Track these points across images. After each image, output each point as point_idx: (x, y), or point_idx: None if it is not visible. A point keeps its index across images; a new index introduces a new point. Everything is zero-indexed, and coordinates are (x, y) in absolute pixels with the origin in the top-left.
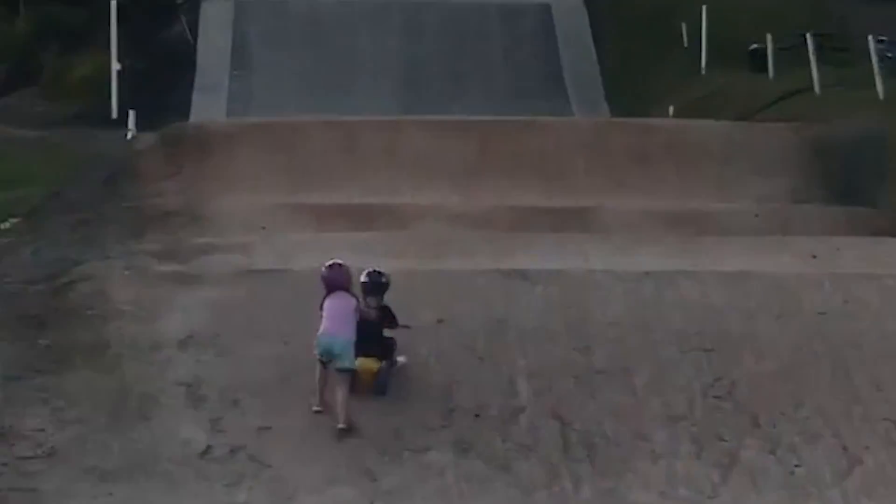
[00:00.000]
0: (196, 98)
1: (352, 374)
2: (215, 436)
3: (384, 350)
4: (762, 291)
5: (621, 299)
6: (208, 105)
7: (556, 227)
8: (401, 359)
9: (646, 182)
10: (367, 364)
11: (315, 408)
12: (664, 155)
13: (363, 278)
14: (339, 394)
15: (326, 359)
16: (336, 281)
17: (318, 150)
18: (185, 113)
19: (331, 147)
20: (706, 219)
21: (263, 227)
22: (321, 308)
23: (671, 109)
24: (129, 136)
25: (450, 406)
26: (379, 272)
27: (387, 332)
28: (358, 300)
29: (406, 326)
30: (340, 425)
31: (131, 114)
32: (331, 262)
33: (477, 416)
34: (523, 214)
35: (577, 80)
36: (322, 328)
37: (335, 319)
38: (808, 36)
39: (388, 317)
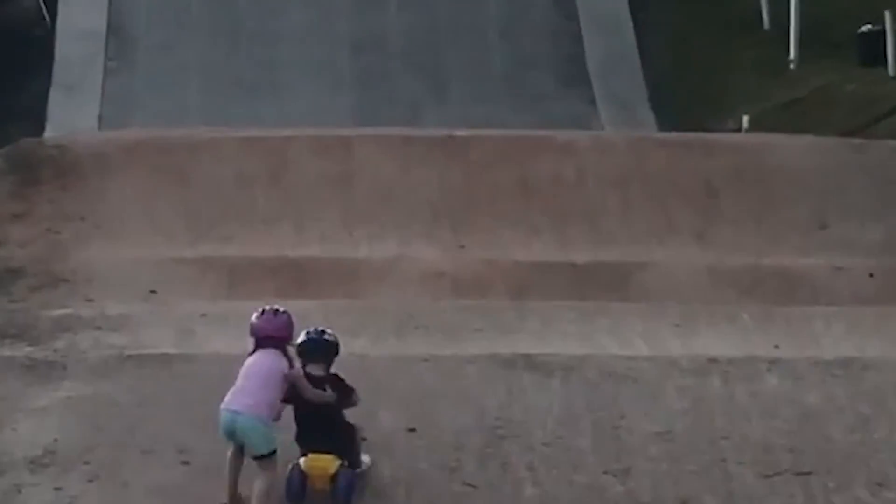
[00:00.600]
0: (54, 100)
1: (272, 461)
2: None
3: (342, 442)
4: (880, 388)
5: (674, 400)
6: (72, 111)
7: (579, 293)
8: (365, 459)
9: (709, 226)
10: (320, 464)
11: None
12: (736, 187)
13: (300, 338)
14: (256, 486)
15: (232, 442)
16: (264, 331)
17: (230, 178)
18: (39, 122)
19: (250, 174)
20: (797, 280)
21: (153, 292)
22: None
23: (745, 120)
24: None
25: None
26: (321, 329)
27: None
28: (293, 365)
29: (361, 438)
30: None
31: None
32: (265, 307)
33: None
34: (531, 274)
35: (607, 74)
36: (226, 399)
37: (243, 388)
38: None
39: (341, 390)
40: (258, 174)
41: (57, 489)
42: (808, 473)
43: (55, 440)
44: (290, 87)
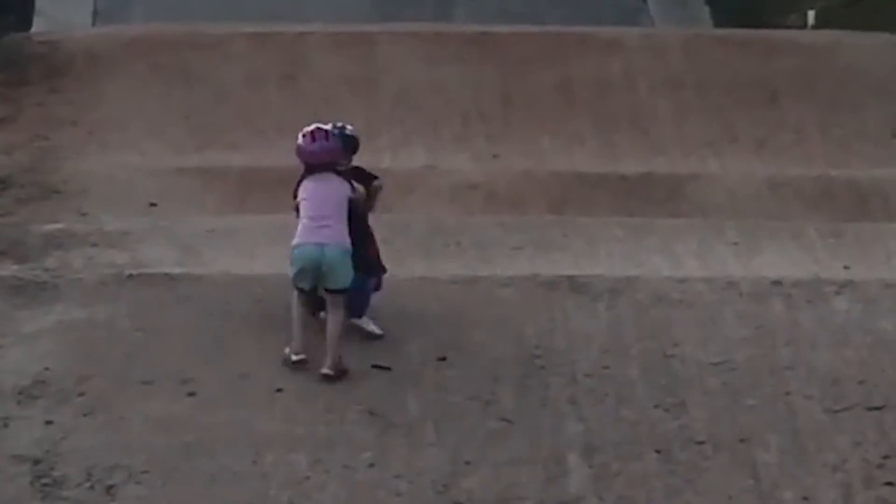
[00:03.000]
0: None
1: (347, 296)
2: None
3: (361, 257)
4: None
5: (733, 326)
6: (64, 3)
7: (626, 208)
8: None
9: (771, 134)
10: None
11: (294, 357)
12: (800, 89)
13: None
14: (330, 324)
15: (307, 283)
16: (316, 157)
17: (239, 78)
18: (26, 17)
19: (261, 74)
20: (870, 193)
21: (153, 205)
22: (295, 196)
23: (811, 15)
24: None
25: (456, 498)
26: (341, 125)
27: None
28: (353, 186)
29: (382, 270)
30: (325, 370)
31: None
32: (311, 128)
33: None
34: (574, 186)
35: None
36: (298, 234)
37: (320, 218)
38: None
39: (366, 178)
40: (270, 74)
41: (48, 423)
42: (881, 408)
43: (46, 369)
44: None
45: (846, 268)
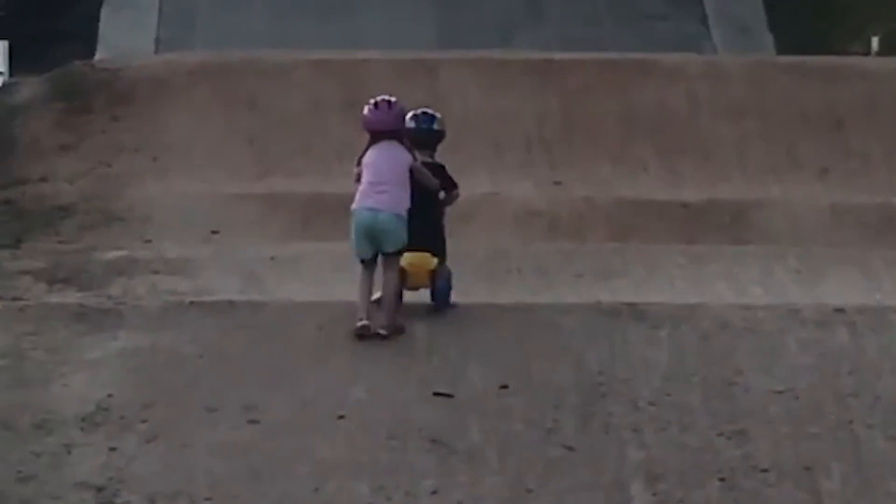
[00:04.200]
0: (106, 17)
1: (399, 259)
2: None
3: (440, 241)
4: None
5: (796, 353)
6: (126, 29)
7: (688, 236)
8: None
9: (834, 162)
10: (420, 260)
11: (360, 322)
12: (864, 117)
13: (408, 123)
14: (385, 286)
15: (366, 251)
16: (382, 124)
17: (302, 105)
18: (90, 43)
19: (323, 101)
20: None
21: (215, 232)
22: (358, 164)
23: (875, 42)
24: None
25: None
26: (430, 114)
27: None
28: (415, 157)
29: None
30: (380, 330)
31: (0, 45)
32: (378, 98)
33: None
34: (636, 213)
35: None
36: (356, 200)
37: (378, 184)
38: None
39: (446, 179)
40: (332, 101)
41: (111, 449)
42: None
43: (109, 396)
44: (366, 7)
45: None
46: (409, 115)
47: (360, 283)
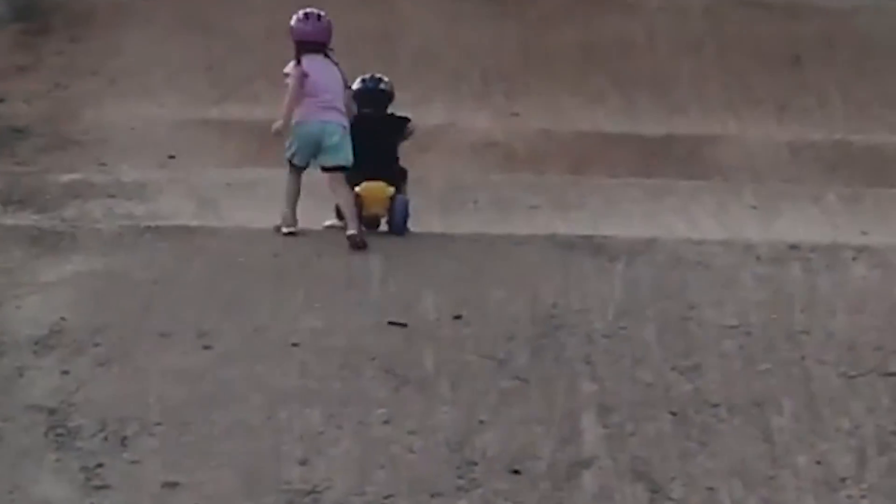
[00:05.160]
0: None
1: (347, 173)
2: (92, 495)
3: (396, 175)
4: None
5: (751, 289)
6: None
7: (646, 169)
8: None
9: (792, 98)
10: (377, 189)
11: (286, 228)
12: (822, 53)
13: (355, 85)
14: (343, 199)
15: (304, 160)
16: (314, 34)
17: (260, 30)
18: None
19: (282, 27)
20: (890, 159)
21: (172, 157)
22: (303, 75)
23: None
24: None
25: (469, 457)
26: (378, 77)
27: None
28: (343, 72)
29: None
30: (353, 231)
31: None
32: (305, 10)
33: (515, 472)
34: (594, 146)
35: None
36: (302, 114)
37: (326, 100)
38: None
39: (398, 124)
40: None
41: (64, 373)
42: None
43: (63, 319)
44: None
45: (864, 233)
46: (358, 78)
47: (288, 186)
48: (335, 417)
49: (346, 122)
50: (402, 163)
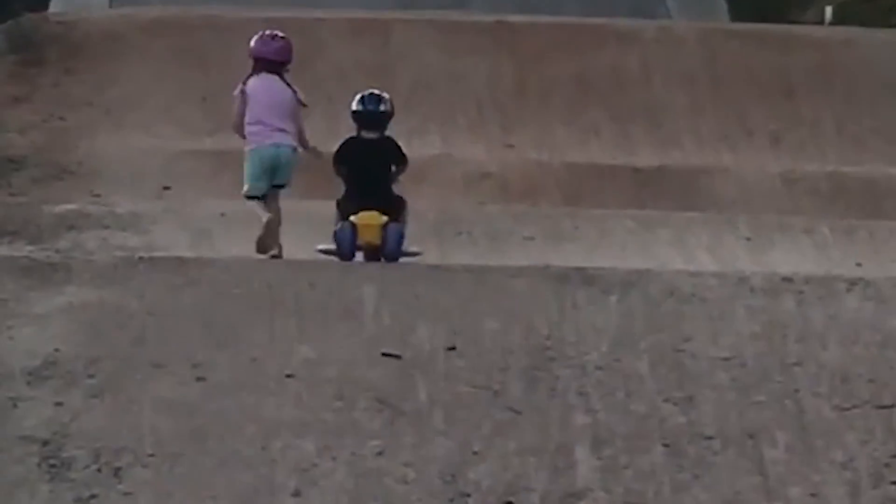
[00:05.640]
0: None
1: (286, 190)
2: None
3: (392, 204)
4: None
5: (744, 321)
6: None
7: (640, 201)
8: (414, 249)
9: (786, 130)
10: (370, 218)
11: (272, 253)
12: (816, 85)
13: (355, 106)
14: (274, 216)
15: (261, 190)
16: (266, 53)
17: None
18: None
19: None
20: (883, 192)
21: (167, 188)
22: (242, 93)
23: (828, 11)
24: None
25: (463, 489)
26: (377, 95)
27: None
28: (297, 92)
29: (415, 253)
30: (275, 252)
31: None
32: (266, 31)
33: (509, 503)
34: (588, 177)
35: None
36: (253, 141)
37: (275, 123)
38: None
39: (394, 150)
40: None
41: (57, 404)
42: (890, 406)
43: (56, 350)
44: None
45: (858, 265)
46: (357, 96)
47: (259, 211)
48: (329, 449)
49: (295, 143)
50: (398, 192)
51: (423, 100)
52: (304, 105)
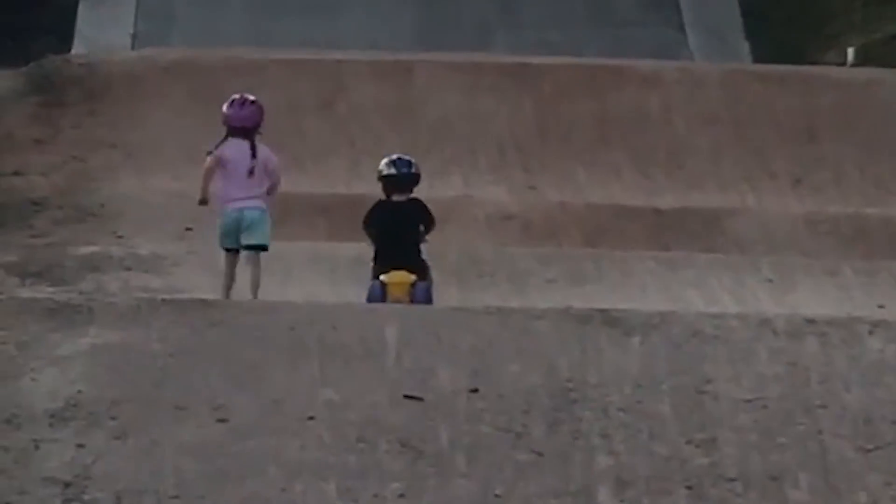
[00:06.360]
0: (83, 12)
1: (263, 251)
2: None
3: (419, 262)
4: None
5: (766, 363)
6: (103, 24)
7: (662, 242)
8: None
9: (808, 171)
10: (399, 276)
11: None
12: (838, 127)
13: (385, 170)
14: (251, 276)
15: (232, 243)
16: (241, 119)
17: (277, 105)
18: (66, 37)
19: (300, 101)
20: None
21: (189, 230)
22: (216, 158)
23: (850, 52)
24: None
25: None
26: (407, 160)
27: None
28: (269, 154)
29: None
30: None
31: None
32: (236, 96)
33: None
34: (609, 219)
35: None
36: (223, 197)
37: (244, 187)
38: None
39: (423, 213)
40: (308, 101)
41: (79, 446)
42: None
43: (79, 392)
44: (346, 7)
45: (881, 307)
46: (385, 160)
47: (225, 268)
48: (351, 491)
49: (264, 205)
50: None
51: (445, 141)
52: (275, 173)
